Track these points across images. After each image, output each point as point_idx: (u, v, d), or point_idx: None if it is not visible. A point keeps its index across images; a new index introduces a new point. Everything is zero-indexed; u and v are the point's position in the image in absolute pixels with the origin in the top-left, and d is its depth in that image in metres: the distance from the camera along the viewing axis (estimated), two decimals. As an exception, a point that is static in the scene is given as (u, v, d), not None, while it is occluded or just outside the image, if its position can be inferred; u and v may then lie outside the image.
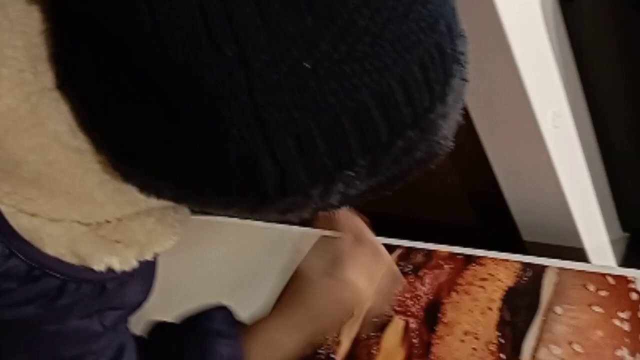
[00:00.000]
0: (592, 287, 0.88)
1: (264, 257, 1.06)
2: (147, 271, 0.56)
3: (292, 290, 0.66)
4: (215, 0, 0.36)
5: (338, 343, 0.90)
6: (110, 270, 0.50)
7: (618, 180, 1.13)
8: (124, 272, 0.51)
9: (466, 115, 0.97)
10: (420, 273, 0.97)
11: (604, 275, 0.89)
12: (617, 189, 1.14)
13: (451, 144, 0.45)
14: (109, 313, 0.55)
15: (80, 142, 0.45)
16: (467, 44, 0.43)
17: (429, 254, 0.99)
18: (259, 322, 0.66)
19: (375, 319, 0.90)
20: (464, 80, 0.43)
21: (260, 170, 0.39)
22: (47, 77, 0.44)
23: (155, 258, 0.56)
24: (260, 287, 0.76)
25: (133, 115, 0.41)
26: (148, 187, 0.45)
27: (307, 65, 0.37)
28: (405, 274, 0.97)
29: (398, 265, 0.99)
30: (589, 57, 0.98)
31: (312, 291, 0.64)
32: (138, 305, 0.58)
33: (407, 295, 0.94)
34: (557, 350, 0.83)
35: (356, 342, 0.91)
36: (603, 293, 0.87)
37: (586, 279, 0.89)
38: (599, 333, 0.83)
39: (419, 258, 0.99)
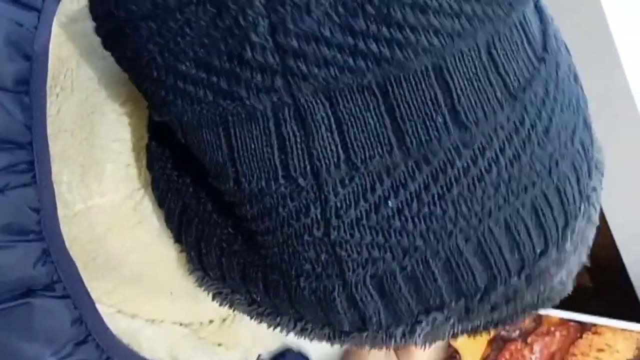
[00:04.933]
0: None
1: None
2: None
3: None
4: (295, 128, 0.33)
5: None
6: None
7: None
8: None
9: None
10: (529, 340, 0.90)
11: None
12: None
13: (569, 288, 0.40)
14: None
15: None
16: (601, 177, 0.39)
17: (539, 318, 0.92)
18: None
19: (479, 388, 0.84)
20: (592, 222, 0.38)
21: (336, 308, 0.36)
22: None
23: None
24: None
25: (207, 229, 0.39)
26: (222, 298, 0.43)
27: (391, 204, 0.33)
28: (512, 340, 0.90)
29: (504, 329, 0.92)
30: None
31: None
32: None
33: (515, 363, 0.87)
34: None
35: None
36: None
37: None
38: None
39: (528, 323, 0.92)
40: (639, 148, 0.80)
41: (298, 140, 0.33)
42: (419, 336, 0.37)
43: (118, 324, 0.44)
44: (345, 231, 0.34)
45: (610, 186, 0.89)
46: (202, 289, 0.43)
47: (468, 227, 0.34)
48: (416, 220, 0.33)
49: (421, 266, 0.34)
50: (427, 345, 0.40)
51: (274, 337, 0.52)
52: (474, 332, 0.40)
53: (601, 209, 0.91)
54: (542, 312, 0.93)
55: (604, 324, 0.88)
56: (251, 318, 0.42)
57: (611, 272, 1.01)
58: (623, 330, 0.87)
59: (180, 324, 0.48)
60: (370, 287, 0.35)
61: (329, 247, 0.34)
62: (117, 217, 0.42)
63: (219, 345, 0.49)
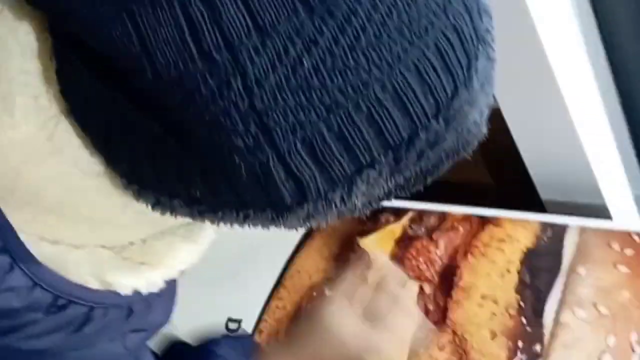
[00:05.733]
0: (616, 246, 0.84)
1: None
2: (169, 289, 0.54)
3: (309, 329, 0.68)
4: (200, 7, 0.34)
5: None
6: (137, 292, 0.49)
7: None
8: (150, 293, 0.50)
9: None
10: (434, 236, 0.92)
11: (629, 232, 0.85)
12: None
13: (485, 129, 0.42)
14: (132, 335, 0.53)
15: (99, 166, 0.43)
16: (491, 20, 0.40)
17: (443, 215, 0.95)
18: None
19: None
20: (492, 60, 0.40)
21: (274, 180, 0.37)
22: (62, 102, 0.42)
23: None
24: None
25: (135, 137, 0.39)
26: (162, 206, 0.43)
27: (306, 63, 0.34)
28: (418, 237, 0.93)
29: (410, 228, 0.95)
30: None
31: (328, 346, 0.67)
32: (160, 325, 0.57)
33: (421, 259, 0.90)
34: (581, 313, 0.79)
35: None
36: (629, 251, 0.83)
37: (610, 237, 0.85)
38: (626, 294, 0.79)
39: (432, 220, 0.95)
40: (531, 41, 0.81)
41: (206, 17, 0.34)
42: (357, 198, 0.38)
43: (42, 250, 0.44)
44: (268, 98, 0.35)
45: (505, 80, 0.91)
46: (140, 201, 0.43)
47: (382, 75, 0.35)
48: (332, 75, 0.35)
49: (346, 121, 0.36)
50: (367, 211, 0.42)
51: (192, 254, 0.53)
52: (407, 186, 0.41)
53: (497, 106, 0.93)
54: (445, 209, 0.95)
55: (504, 216, 0.92)
56: (193, 218, 0.42)
57: (510, 167, 1.04)
58: (522, 221, 0.91)
59: (103, 247, 0.48)
60: (302, 152, 0.36)
61: (256, 118, 0.35)
62: (32, 149, 0.41)
63: (143, 263, 0.50)
